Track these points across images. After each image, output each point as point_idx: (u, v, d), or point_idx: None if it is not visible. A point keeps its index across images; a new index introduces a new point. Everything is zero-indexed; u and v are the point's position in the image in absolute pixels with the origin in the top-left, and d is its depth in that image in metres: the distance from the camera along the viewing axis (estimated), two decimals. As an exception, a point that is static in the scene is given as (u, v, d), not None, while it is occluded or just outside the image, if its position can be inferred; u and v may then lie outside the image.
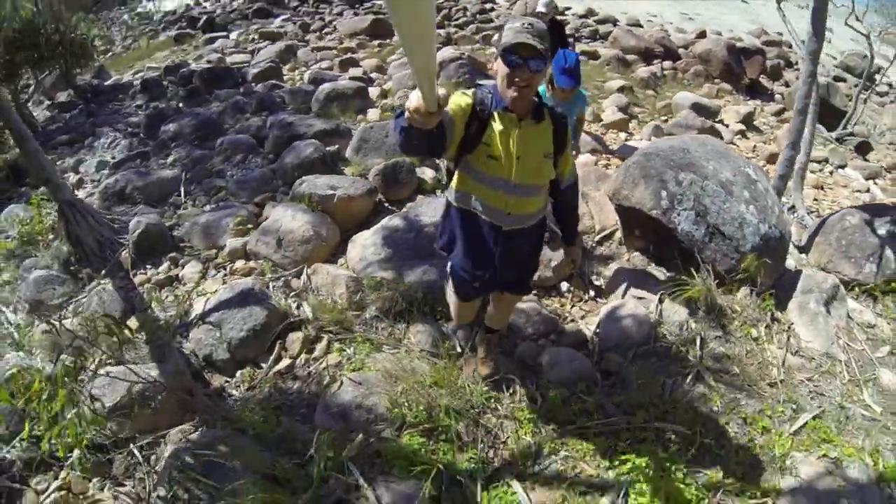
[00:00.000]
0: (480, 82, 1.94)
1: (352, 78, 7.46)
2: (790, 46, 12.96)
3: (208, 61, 9.72)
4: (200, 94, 7.73)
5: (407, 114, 1.37)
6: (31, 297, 3.71)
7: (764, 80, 9.98)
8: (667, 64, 9.27)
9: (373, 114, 6.39)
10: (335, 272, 3.18)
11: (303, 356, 2.73)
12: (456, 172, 1.98)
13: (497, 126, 1.82)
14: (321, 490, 2.11)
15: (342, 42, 10.59)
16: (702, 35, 11.17)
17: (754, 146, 7.00)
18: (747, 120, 7.56)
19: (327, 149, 4.83)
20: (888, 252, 3.73)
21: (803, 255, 4.12)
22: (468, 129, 1.81)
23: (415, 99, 1.32)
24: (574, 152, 3.66)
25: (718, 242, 3.33)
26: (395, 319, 2.85)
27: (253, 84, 7.93)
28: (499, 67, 1.74)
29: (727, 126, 7.26)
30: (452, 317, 2.65)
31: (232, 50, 10.60)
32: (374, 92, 7.26)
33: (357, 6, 13.78)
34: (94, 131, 7.31)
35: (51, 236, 4.38)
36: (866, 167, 7.27)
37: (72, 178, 5.99)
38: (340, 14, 13.12)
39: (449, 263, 2.30)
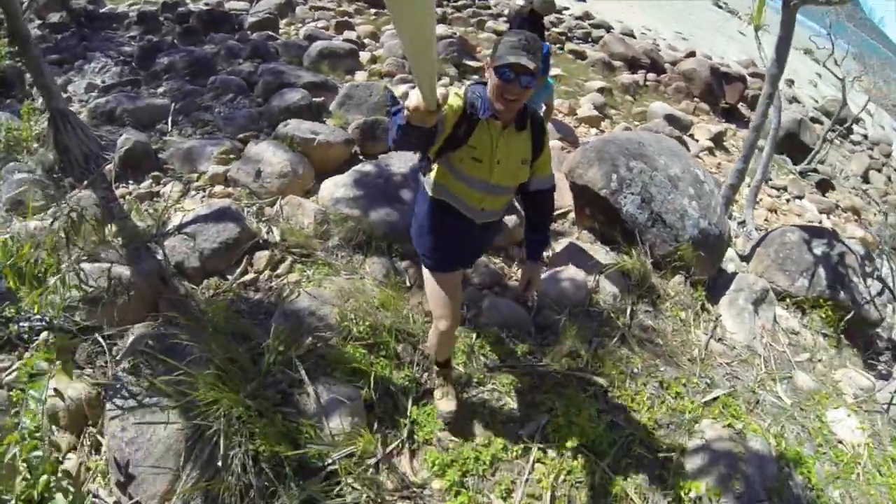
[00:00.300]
0: (472, 83, 1.96)
1: (345, 40, 7.66)
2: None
3: (206, 3, 9.69)
4: (197, 33, 7.77)
5: (406, 112, 1.41)
6: (11, 197, 3.85)
7: (742, 108, 10.49)
8: (651, 76, 9.69)
9: (360, 76, 6.62)
10: (306, 204, 3.46)
11: (267, 272, 3.01)
12: (435, 166, 2.01)
13: (482, 131, 1.87)
14: (267, 380, 2.40)
15: (340, 5, 10.66)
16: (691, 54, 11.62)
17: (719, 163, 7.48)
18: (717, 139, 8.04)
19: (314, 99, 5.06)
20: (820, 270, 4.20)
21: (744, 264, 4.55)
22: (456, 129, 1.84)
23: (415, 98, 1.35)
24: None
25: (660, 228, 3.72)
26: (355, 251, 3.15)
27: (249, 32, 8.00)
28: (490, 77, 1.76)
29: (697, 141, 7.72)
30: (435, 311, 2.31)
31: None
32: (364, 56, 7.47)
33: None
34: (85, 55, 7.29)
35: (36, 144, 4.50)
36: (822, 202, 7.82)
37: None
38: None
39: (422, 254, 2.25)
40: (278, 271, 3.02)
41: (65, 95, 6.08)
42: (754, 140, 4.87)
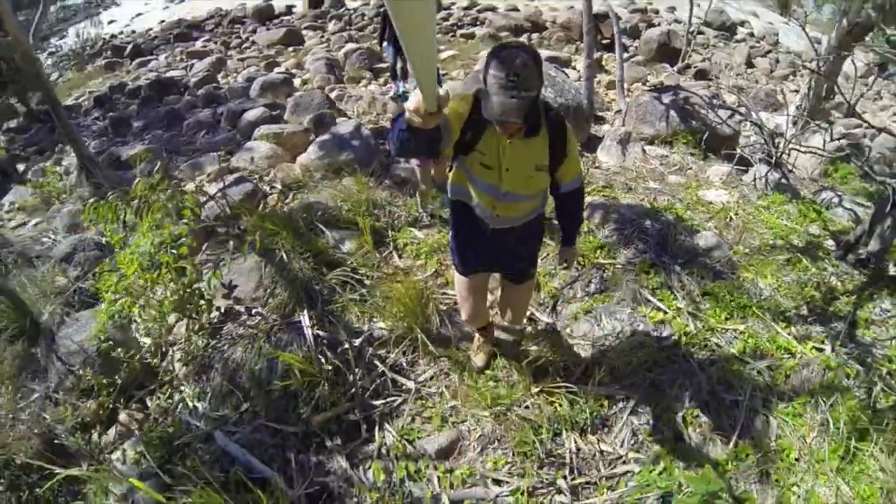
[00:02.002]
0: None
1: (278, 73, 9.26)
2: (657, 12, 15.87)
3: (147, 79, 11.16)
4: (153, 100, 9.24)
5: (407, 114, 1.39)
6: (66, 223, 5.27)
7: (625, 39, 12.47)
8: (535, 35, 11.61)
9: (295, 96, 8.23)
10: (293, 165, 5.03)
11: (279, 204, 4.55)
12: (454, 167, 2.03)
13: (488, 137, 1.84)
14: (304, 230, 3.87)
15: (262, 52, 12.29)
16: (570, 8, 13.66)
17: (598, 80, 9.33)
18: (596, 63, 9.91)
19: (271, 113, 6.65)
20: (672, 113, 5.91)
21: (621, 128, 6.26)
22: (464, 134, 1.83)
23: (415, 99, 1.34)
24: None
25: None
26: (332, 177, 4.72)
27: (195, 89, 9.52)
28: (483, 106, 1.68)
29: (577, 70, 9.57)
30: (459, 303, 2.52)
31: (166, 69, 12.05)
32: (297, 81, 9.08)
33: (267, 23, 15.55)
34: (62, 141, 8.68)
35: (64, 195, 5.97)
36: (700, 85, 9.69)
37: (59, 168, 7.44)
38: (254, 31, 14.78)
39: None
40: (287, 199, 4.58)
41: (61, 169, 7.51)
42: (591, 42, 6.57)
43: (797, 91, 8.76)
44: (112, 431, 2.76)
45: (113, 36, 18.40)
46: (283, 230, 3.49)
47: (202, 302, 3.04)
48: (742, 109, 6.51)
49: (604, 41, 12.07)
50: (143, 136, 7.40)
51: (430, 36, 0.76)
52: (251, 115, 6.47)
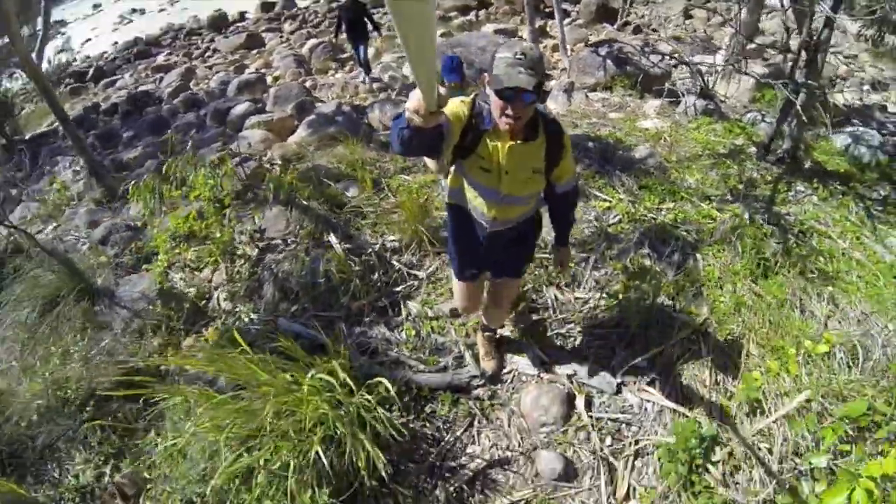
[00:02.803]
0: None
1: (250, 73, 9.84)
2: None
3: (119, 97, 11.57)
4: (132, 114, 9.72)
5: (407, 114, 1.42)
6: (87, 220, 5.84)
7: (566, 5, 13.31)
8: (482, 12, 12.37)
9: (273, 90, 8.84)
10: (287, 143, 5.71)
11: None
12: (451, 171, 2.08)
13: (489, 141, 1.86)
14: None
15: (227, 58, 12.79)
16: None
17: (544, 45, 10.15)
18: (541, 31, 10.72)
19: (256, 105, 7.28)
20: (609, 63, 6.76)
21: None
22: (464, 137, 1.85)
23: (415, 99, 1.36)
24: None
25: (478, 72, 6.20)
26: (325, 147, 5.41)
27: (171, 99, 10.02)
28: (491, 94, 1.73)
29: (523, 37, 10.36)
30: (455, 296, 2.68)
31: (134, 85, 12.46)
32: (269, 79, 9.68)
33: (223, 31, 15.99)
34: (47, 163, 9.12)
35: (74, 201, 6.53)
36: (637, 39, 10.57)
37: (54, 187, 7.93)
38: (212, 40, 15.21)
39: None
40: (289, 170, 5.26)
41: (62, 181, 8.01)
42: (532, 11, 7.37)
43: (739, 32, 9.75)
44: (175, 359, 3.43)
45: (68, 63, 18.54)
46: (298, 183, 4.20)
47: (238, 248, 3.74)
48: (676, 55, 7.41)
49: (546, 9, 12.93)
50: (135, 143, 7.94)
51: (429, 36, 0.76)
52: (238, 109, 7.09)
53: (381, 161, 5.10)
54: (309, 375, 2.22)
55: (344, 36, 7.63)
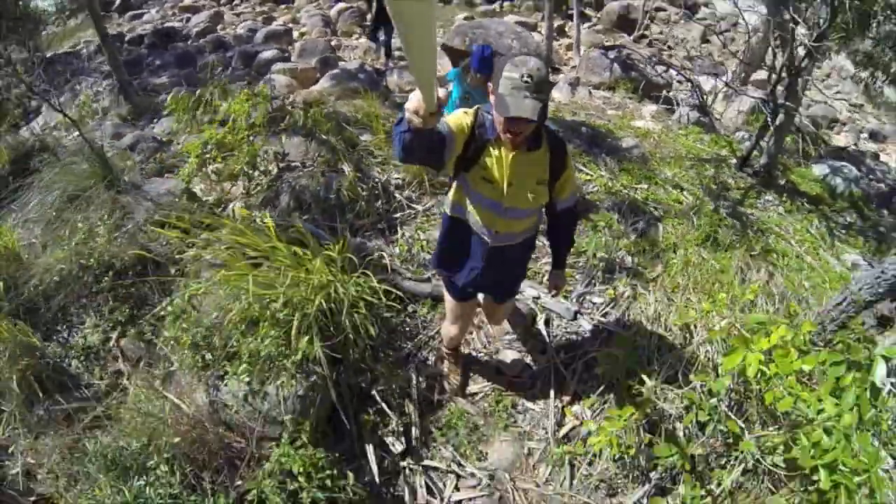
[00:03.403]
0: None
1: (278, 25, 10.21)
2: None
3: (143, 30, 11.85)
4: (157, 47, 10.04)
5: (407, 114, 1.42)
6: (112, 132, 6.23)
7: (589, 10, 13.77)
8: (506, 4, 12.82)
9: (299, 43, 9.22)
10: (310, 91, 6.15)
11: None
12: (453, 185, 2.05)
13: (492, 152, 1.86)
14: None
15: (255, 8, 13.09)
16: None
17: (560, 43, 10.62)
18: (559, 30, 11.19)
19: (283, 54, 7.69)
20: (616, 67, 7.30)
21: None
22: (466, 149, 1.85)
23: (415, 100, 1.36)
24: None
25: (497, 57, 6.69)
26: (345, 98, 5.86)
27: (198, 39, 10.35)
28: (494, 106, 1.70)
29: (542, 33, 10.83)
30: (447, 319, 2.63)
31: (161, 21, 12.72)
32: (295, 34, 10.06)
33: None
34: (67, 82, 9.41)
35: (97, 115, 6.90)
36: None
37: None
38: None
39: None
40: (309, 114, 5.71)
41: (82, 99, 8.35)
42: (550, 8, 7.84)
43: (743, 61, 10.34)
44: (191, 252, 3.86)
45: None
46: (320, 118, 4.65)
47: (260, 164, 4.20)
48: (682, 70, 7.96)
49: (569, 11, 13.38)
50: (160, 73, 8.29)
51: (430, 36, 0.76)
52: (266, 55, 7.50)
53: (394, 117, 5.55)
54: (318, 256, 2.70)
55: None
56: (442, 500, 2.53)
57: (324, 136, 4.41)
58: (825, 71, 14.05)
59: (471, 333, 3.17)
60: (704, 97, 6.88)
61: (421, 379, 2.91)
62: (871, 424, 1.68)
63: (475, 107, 1.92)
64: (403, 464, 2.61)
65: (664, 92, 7.05)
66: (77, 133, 6.77)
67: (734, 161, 5.62)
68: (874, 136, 11.15)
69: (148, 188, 4.35)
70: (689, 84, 7.25)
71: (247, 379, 2.45)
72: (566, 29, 11.22)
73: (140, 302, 3.37)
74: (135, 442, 2.33)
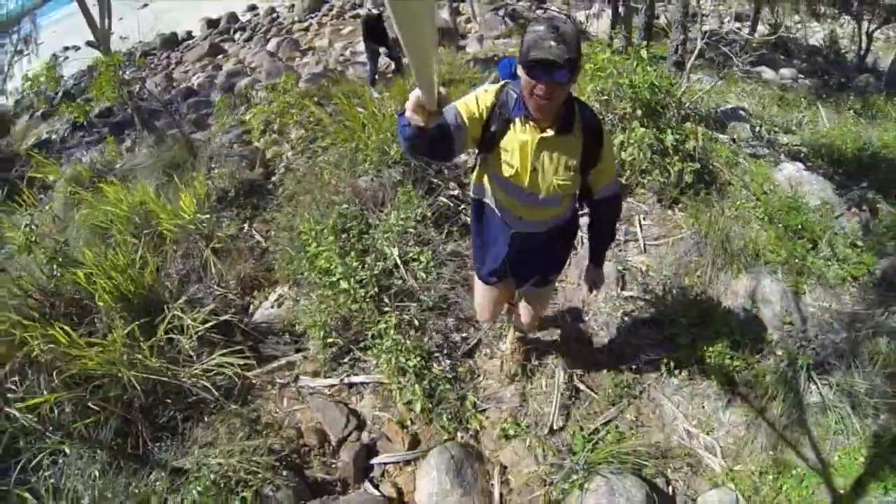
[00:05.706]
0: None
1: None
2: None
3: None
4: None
5: (408, 113, 1.38)
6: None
7: None
8: None
9: (264, 69, 11.24)
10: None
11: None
12: (477, 166, 1.95)
13: (516, 133, 1.72)
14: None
15: (196, 65, 14.85)
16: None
17: (461, 19, 13.07)
18: (456, 11, 13.66)
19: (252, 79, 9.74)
20: (507, 20, 9.71)
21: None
22: (487, 128, 1.73)
23: (414, 98, 1.32)
24: None
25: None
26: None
27: (164, 95, 12.12)
28: (520, 72, 1.57)
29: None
30: (475, 305, 2.53)
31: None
32: (248, 70, 12.04)
33: (175, 48, 17.98)
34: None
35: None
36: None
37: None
38: (167, 57, 17.14)
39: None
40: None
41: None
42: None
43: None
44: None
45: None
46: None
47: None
48: (563, 9, 10.59)
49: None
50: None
51: (429, 35, 0.75)
52: (242, 81, 9.50)
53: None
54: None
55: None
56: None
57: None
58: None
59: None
60: (583, 24, 9.46)
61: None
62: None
63: (500, 83, 1.80)
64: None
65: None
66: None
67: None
68: (737, 17, 13.98)
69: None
70: (567, 17, 9.84)
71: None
72: (460, 10, 13.77)
73: (257, 205, 5.25)
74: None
